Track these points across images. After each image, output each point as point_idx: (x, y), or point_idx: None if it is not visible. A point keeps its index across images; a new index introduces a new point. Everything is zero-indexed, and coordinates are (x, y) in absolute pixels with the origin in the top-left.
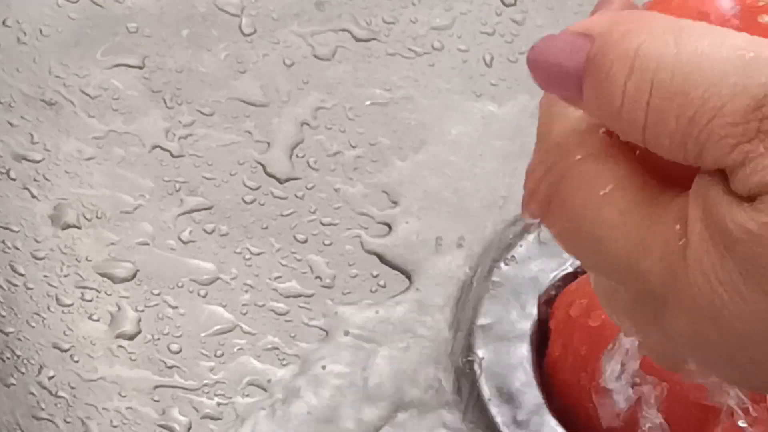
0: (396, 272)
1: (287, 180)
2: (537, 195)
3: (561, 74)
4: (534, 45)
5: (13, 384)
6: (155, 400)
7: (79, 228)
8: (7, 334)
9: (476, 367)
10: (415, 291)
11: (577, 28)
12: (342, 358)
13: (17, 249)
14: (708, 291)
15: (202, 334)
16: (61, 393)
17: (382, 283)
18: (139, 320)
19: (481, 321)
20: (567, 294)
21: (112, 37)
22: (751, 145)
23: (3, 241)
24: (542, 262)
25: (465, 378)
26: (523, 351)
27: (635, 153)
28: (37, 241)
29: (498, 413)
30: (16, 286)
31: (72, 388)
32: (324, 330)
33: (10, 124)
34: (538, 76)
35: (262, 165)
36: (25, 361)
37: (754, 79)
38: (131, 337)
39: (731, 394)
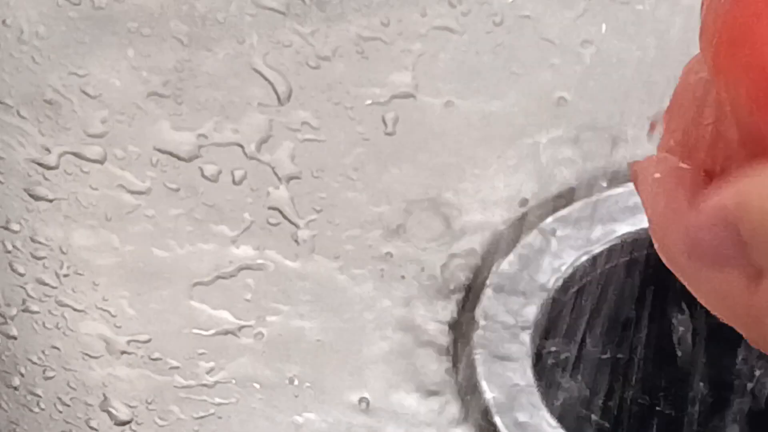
0: (396, 272)
1: (288, 180)
2: None
3: (725, 258)
4: (686, 238)
5: (13, 385)
6: (155, 401)
7: (79, 227)
8: (6, 335)
9: (477, 367)
10: (415, 291)
11: (717, 209)
12: (344, 357)
13: (17, 249)
14: None
15: (203, 334)
16: (61, 394)
17: (382, 283)
18: (139, 320)
19: (482, 321)
20: None
21: (112, 37)
22: None
23: (3, 241)
24: (543, 262)
25: (465, 379)
26: (524, 351)
27: None
28: (37, 241)
29: (498, 414)
30: (16, 286)
31: (72, 388)
32: (324, 330)
33: (10, 124)
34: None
35: (263, 165)
36: (26, 362)
37: None
38: (131, 338)
39: None
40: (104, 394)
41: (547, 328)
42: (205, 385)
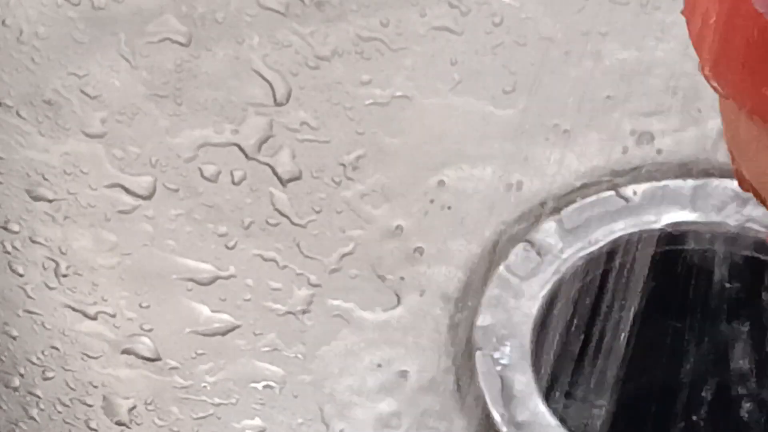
0: (396, 273)
1: (288, 180)
2: None
3: None
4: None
5: (13, 385)
6: (155, 401)
7: (78, 228)
8: (6, 335)
9: (476, 366)
10: (414, 292)
11: None
12: (342, 358)
13: (17, 249)
14: None
15: (202, 334)
16: (60, 394)
17: (381, 283)
18: (139, 320)
19: (481, 321)
20: None
21: (112, 37)
22: None
23: (2, 242)
24: (544, 261)
25: (465, 379)
26: (524, 351)
27: None
28: (36, 242)
29: (498, 414)
30: (16, 287)
31: (72, 389)
32: (324, 330)
33: (10, 124)
34: None
35: (262, 165)
36: (26, 362)
37: None
38: (131, 338)
39: None
40: (104, 395)
41: (548, 328)
42: (204, 385)
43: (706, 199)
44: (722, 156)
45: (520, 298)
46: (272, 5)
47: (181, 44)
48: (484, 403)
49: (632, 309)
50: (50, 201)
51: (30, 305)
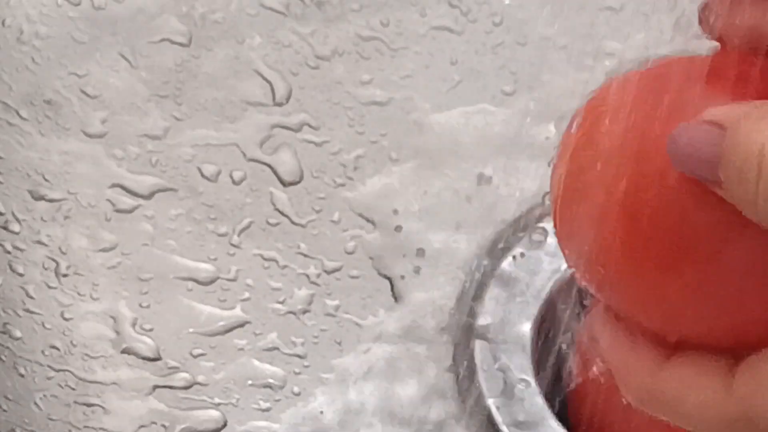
0: (396, 272)
1: (288, 180)
2: None
3: (699, 162)
4: (673, 132)
5: (13, 385)
6: (155, 401)
7: (78, 228)
8: (6, 335)
9: (477, 367)
10: (414, 291)
11: (711, 117)
12: (342, 358)
13: (17, 249)
14: None
15: (203, 334)
16: (60, 394)
17: (381, 283)
18: (139, 320)
19: (481, 321)
20: None
21: (112, 37)
22: None
23: (3, 242)
24: (544, 261)
25: (466, 379)
26: (525, 352)
27: None
28: (36, 242)
29: (499, 414)
30: (16, 286)
31: (72, 389)
32: (324, 330)
33: (10, 123)
34: (677, 161)
35: (263, 165)
36: (26, 362)
37: None
38: (131, 338)
39: None
40: (104, 395)
41: (548, 327)
42: (205, 385)
43: None
44: None
45: (521, 297)
46: (272, 5)
47: (181, 44)
48: (485, 403)
49: None
50: (50, 201)
51: (30, 305)
